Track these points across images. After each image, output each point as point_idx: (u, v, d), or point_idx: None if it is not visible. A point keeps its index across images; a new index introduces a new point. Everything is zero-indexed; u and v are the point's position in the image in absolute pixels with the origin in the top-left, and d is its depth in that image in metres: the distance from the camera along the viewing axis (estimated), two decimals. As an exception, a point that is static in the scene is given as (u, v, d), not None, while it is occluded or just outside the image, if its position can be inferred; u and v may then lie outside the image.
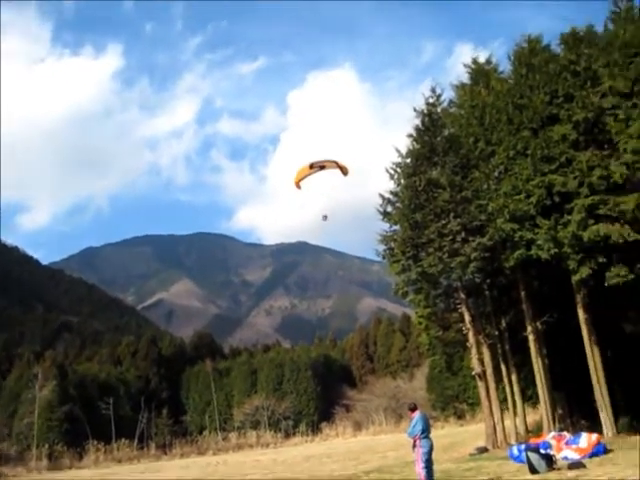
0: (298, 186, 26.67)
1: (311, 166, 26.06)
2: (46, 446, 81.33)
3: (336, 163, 26.65)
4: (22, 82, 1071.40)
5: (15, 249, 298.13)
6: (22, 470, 72.18)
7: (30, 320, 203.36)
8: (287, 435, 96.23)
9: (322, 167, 26.32)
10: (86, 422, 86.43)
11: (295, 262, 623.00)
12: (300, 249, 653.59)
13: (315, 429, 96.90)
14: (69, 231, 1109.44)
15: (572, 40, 33.27)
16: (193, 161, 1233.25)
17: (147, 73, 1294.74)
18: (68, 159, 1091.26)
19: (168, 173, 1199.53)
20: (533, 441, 27.03)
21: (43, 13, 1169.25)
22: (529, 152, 31.20)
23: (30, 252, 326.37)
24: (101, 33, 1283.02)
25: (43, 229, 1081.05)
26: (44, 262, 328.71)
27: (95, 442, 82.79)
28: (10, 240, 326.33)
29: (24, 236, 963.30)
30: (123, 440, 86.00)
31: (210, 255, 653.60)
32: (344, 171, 26.85)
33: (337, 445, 71.32)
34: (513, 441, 33.56)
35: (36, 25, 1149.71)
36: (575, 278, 30.49)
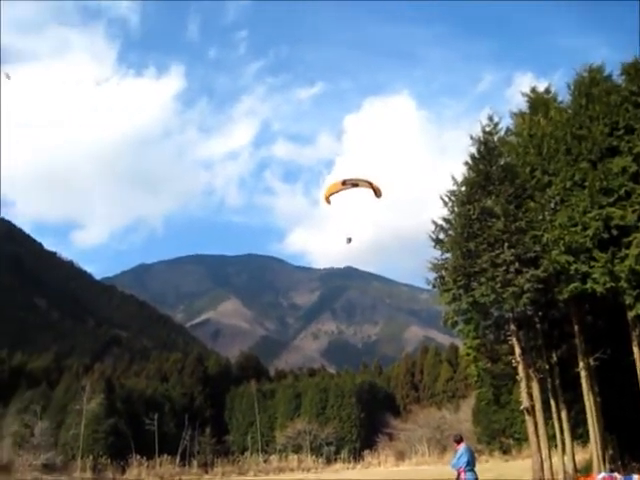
0: (328, 201, 25.95)
1: (343, 182, 25.42)
2: (91, 458, 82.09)
3: (370, 184, 25.82)
4: (85, 102, 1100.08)
5: (69, 263, 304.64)
6: (66, 480, 72.99)
7: (81, 333, 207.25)
8: (328, 461, 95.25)
9: (355, 185, 25.57)
10: (131, 436, 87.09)
11: (343, 287, 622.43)
12: (348, 274, 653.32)
13: (357, 456, 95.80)
14: (124, 248, 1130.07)
15: (634, 70, 32.65)
16: (247, 183, 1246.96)
17: (207, 95, 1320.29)
18: (126, 179, 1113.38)
19: (222, 194, 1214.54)
20: (582, 481, 26.29)
21: (110, 34, 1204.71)
22: (587, 184, 30.61)
23: (85, 267, 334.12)
24: (165, 54, 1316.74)
25: (98, 246, 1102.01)
26: (97, 277, 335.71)
27: (138, 457, 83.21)
28: (65, 254, 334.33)
29: (79, 252, 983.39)
30: (166, 456, 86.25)
31: (259, 277, 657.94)
32: (377, 193, 25.90)
33: (379, 473, 70.46)
34: (560, 479, 32.66)
35: (103, 45, 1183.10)
36: (631, 314, 29.69)
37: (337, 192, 25.63)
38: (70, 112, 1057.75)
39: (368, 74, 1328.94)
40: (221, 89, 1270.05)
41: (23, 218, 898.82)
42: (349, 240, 25.76)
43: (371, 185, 25.67)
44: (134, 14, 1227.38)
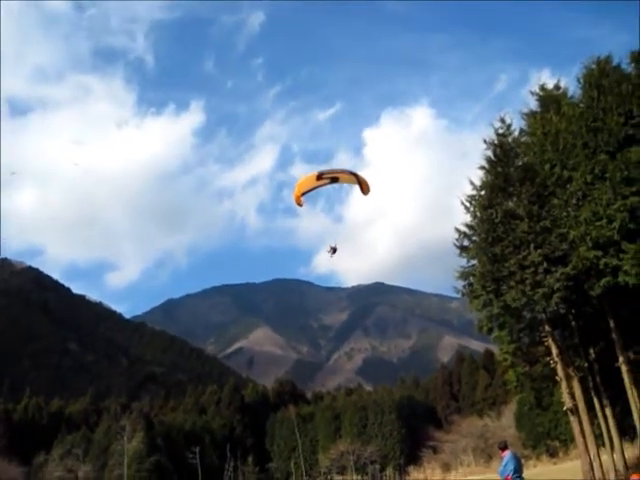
0: (299, 202, 21.33)
1: (319, 177, 20.94)
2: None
3: (355, 176, 21.47)
4: (108, 145, 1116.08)
5: (98, 305, 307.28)
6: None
7: (115, 373, 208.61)
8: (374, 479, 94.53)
9: (334, 180, 21.19)
10: (174, 472, 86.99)
11: (372, 304, 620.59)
12: (377, 290, 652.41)
13: (402, 472, 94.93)
14: (151, 285, 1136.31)
15: (644, 57, 32.38)
16: (267, 208, 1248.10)
17: (227, 126, 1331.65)
18: (151, 217, 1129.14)
19: (243, 222, 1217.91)
20: (635, 478, 25.68)
21: (128, 76, 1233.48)
22: (608, 175, 30.21)
23: (114, 307, 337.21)
24: (184, 90, 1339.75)
25: (128, 285, 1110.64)
26: (127, 316, 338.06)
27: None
28: (94, 296, 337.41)
29: (108, 293, 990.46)
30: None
31: (287, 301, 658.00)
32: (364, 188, 21.71)
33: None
34: (612, 478, 32.00)
35: (121, 88, 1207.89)
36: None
37: (312, 189, 21.36)
38: (93, 155, 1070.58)
39: (385, 86, 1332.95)
40: (241, 118, 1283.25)
41: (54, 264, 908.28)
42: (333, 250, 21.93)
43: (356, 178, 21.54)
44: (148, 54, 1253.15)
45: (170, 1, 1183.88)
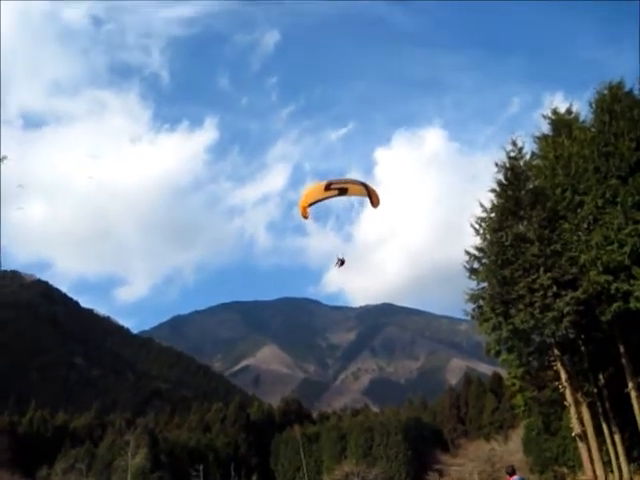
0: (305, 213, 20.20)
1: (328, 187, 19.96)
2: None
3: (365, 187, 20.48)
4: (122, 159, 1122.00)
5: (106, 319, 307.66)
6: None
7: (121, 388, 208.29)
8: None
9: (343, 191, 20.26)
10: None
11: (381, 324, 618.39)
12: (385, 311, 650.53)
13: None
14: (159, 300, 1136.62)
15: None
16: (278, 226, 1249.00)
17: (240, 143, 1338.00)
18: (162, 232, 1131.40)
19: (253, 239, 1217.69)
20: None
21: (143, 92, 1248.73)
22: (619, 200, 30.15)
23: (121, 322, 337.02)
24: (198, 107, 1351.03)
25: (137, 300, 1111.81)
26: (135, 331, 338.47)
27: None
28: (103, 310, 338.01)
29: (116, 308, 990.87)
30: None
31: (295, 319, 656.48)
32: (374, 200, 20.67)
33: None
34: (621, 506, 31.65)
35: (136, 103, 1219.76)
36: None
37: (320, 201, 20.28)
38: (107, 170, 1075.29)
39: (398, 107, 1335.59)
40: (254, 137, 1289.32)
41: (63, 278, 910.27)
42: (341, 262, 21.16)
43: (366, 189, 20.61)
44: (164, 70, 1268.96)
45: (187, 13, 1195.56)
